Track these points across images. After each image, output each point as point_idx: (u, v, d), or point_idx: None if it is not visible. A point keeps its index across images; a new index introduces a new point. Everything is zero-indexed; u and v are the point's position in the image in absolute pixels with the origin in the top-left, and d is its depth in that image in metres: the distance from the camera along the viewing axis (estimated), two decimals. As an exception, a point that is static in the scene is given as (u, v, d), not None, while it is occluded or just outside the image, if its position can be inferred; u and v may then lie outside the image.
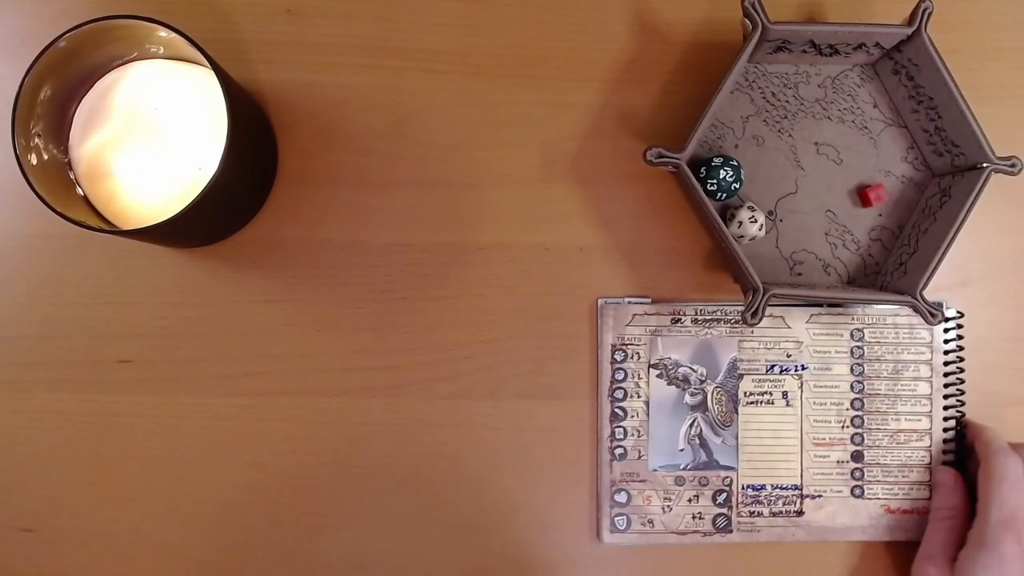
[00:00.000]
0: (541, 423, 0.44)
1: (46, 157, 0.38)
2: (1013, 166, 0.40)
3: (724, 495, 0.43)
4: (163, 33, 0.37)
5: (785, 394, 0.43)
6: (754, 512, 0.43)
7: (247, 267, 0.44)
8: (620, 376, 0.43)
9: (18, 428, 0.43)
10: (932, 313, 0.39)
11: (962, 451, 0.44)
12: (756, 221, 0.42)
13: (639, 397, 0.43)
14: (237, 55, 0.44)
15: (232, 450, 0.43)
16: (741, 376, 0.43)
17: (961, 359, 0.44)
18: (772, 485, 0.43)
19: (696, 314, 0.44)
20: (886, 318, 0.44)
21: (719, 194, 0.42)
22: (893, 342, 0.44)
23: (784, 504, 0.43)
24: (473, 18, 0.45)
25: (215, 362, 0.43)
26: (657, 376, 0.43)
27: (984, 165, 0.40)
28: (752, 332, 0.44)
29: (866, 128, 0.44)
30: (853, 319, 0.44)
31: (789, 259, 0.44)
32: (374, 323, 0.44)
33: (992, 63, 0.45)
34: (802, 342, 0.44)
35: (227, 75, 0.38)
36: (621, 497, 0.43)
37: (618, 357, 0.43)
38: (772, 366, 0.43)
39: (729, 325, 0.43)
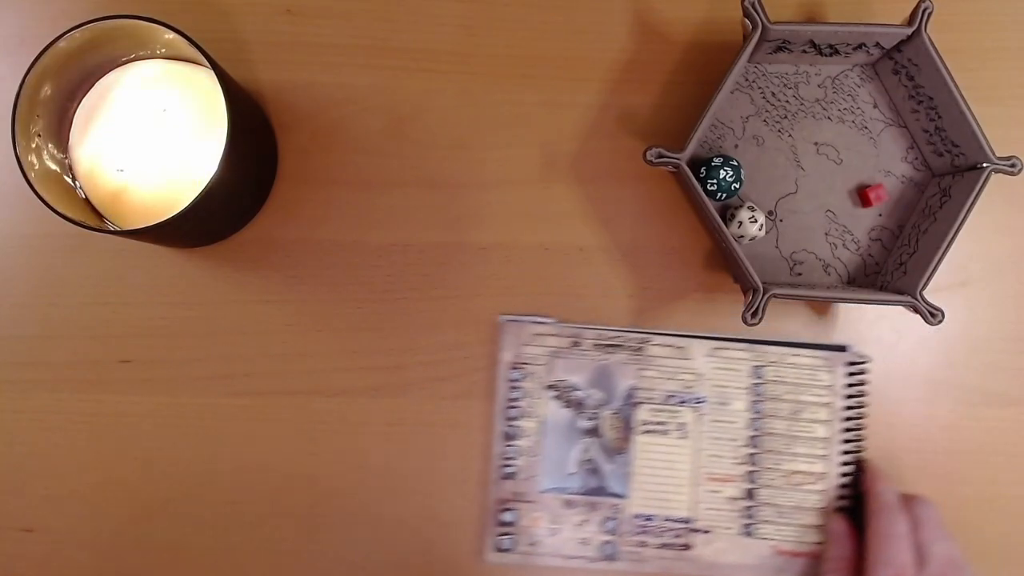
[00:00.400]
0: (541, 423, 0.44)
1: (46, 157, 0.38)
2: (1013, 166, 0.40)
3: (612, 522, 0.42)
4: (163, 33, 0.37)
5: (681, 426, 0.43)
6: (642, 542, 0.42)
7: (247, 267, 0.44)
8: (516, 395, 0.43)
9: (18, 428, 0.43)
10: (932, 313, 0.39)
11: (858, 496, 0.43)
12: (756, 221, 0.42)
13: (533, 417, 0.43)
14: (237, 55, 0.44)
15: (232, 450, 0.43)
16: (638, 404, 0.43)
17: (862, 404, 0.43)
18: (662, 516, 0.42)
19: (597, 338, 0.43)
20: (787, 358, 0.43)
21: (719, 194, 0.42)
22: (793, 382, 0.43)
23: (673, 536, 0.42)
24: (473, 18, 0.45)
25: (215, 362, 0.43)
26: (553, 397, 0.43)
27: (984, 165, 0.40)
28: (652, 361, 0.43)
29: (866, 128, 0.44)
30: (755, 356, 0.43)
31: (789, 259, 0.44)
32: (374, 323, 0.44)
33: (992, 63, 0.45)
34: (702, 374, 0.43)
35: (227, 75, 0.38)
36: (508, 516, 0.42)
37: (515, 376, 0.43)
38: (670, 396, 0.43)
39: (629, 352, 0.43)
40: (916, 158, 0.44)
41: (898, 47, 0.41)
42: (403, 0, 0.45)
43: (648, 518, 0.42)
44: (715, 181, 0.42)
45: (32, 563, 0.43)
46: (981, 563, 0.43)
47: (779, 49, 0.42)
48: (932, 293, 0.40)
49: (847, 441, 0.43)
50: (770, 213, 0.44)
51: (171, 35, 0.37)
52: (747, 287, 0.41)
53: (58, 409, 0.43)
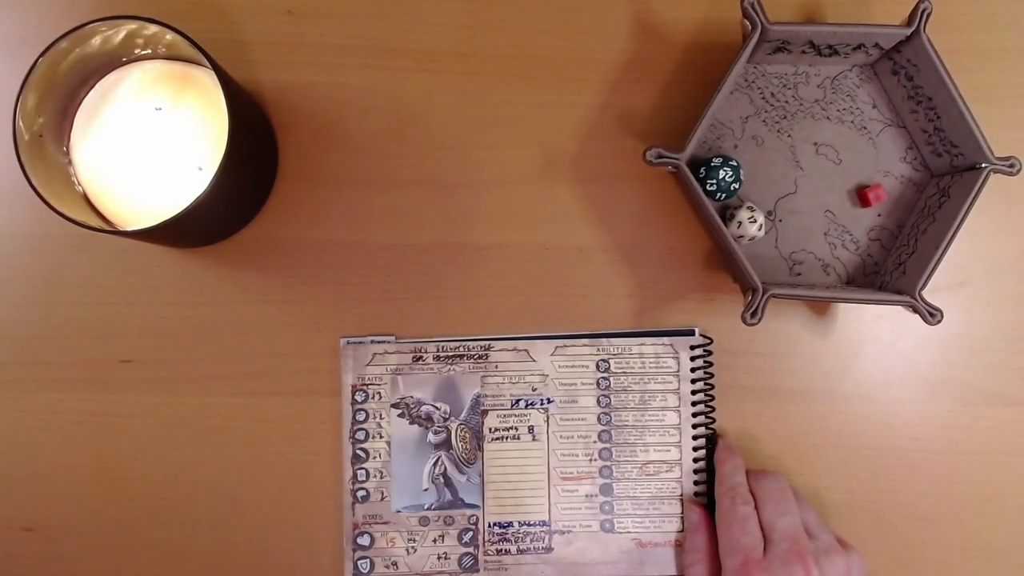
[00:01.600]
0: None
1: (47, 157, 0.38)
2: (1012, 166, 0.40)
3: (470, 534, 0.42)
4: (164, 33, 0.37)
5: (531, 428, 0.43)
6: (501, 550, 0.42)
7: (247, 267, 0.44)
8: (361, 417, 0.43)
9: (18, 428, 0.43)
10: (931, 313, 0.39)
11: (709, 482, 0.43)
12: (755, 221, 0.42)
13: (381, 438, 0.42)
14: (237, 55, 0.44)
15: (232, 450, 0.43)
16: (485, 412, 0.43)
17: (710, 386, 0.43)
18: (519, 522, 0.42)
19: (438, 351, 0.43)
20: (631, 348, 0.43)
21: (718, 194, 0.42)
22: (639, 372, 0.43)
23: (532, 541, 0.42)
24: (473, 18, 0.45)
25: (215, 362, 0.44)
26: (399, 415, 0.43)
27: (983, 165, 0.40)
28: (496, 367, 0.43)
29: (865, 128, 0.44)
30: (598, 350, 0.43)
31: (788, 259, 0.44)
32: (374, 323, 0.44)
33: (991, 63, 0.45)
34: (547, 375, 0.43)
35: (227, 75, 0.38)
36: (364, 540, 0.42)
37: (359, 398, 0.43)
38: (517, 400, 0.43)
39: (472, 361, 0.43)
40: (915, 158, 0.44)
41: (897, 47, 0.41)
42: (403, 0, 0.45)
43: (505, 526, 0.42)
44: (714, 181, 0.42)
45: (32, 563, 0.43)
46: (981, 563, 0.44)
47: (778, 50, 0.42)
48: (931, 293, 0.40)
49: (697, 425, 0.43)
50: (769, 213, 0.44)
51: (171, 35, 0.37)
52: (747, 287, 0.41)
53: (58, 409, 0.43)
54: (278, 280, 0.44)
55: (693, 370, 0.43)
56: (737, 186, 0.42)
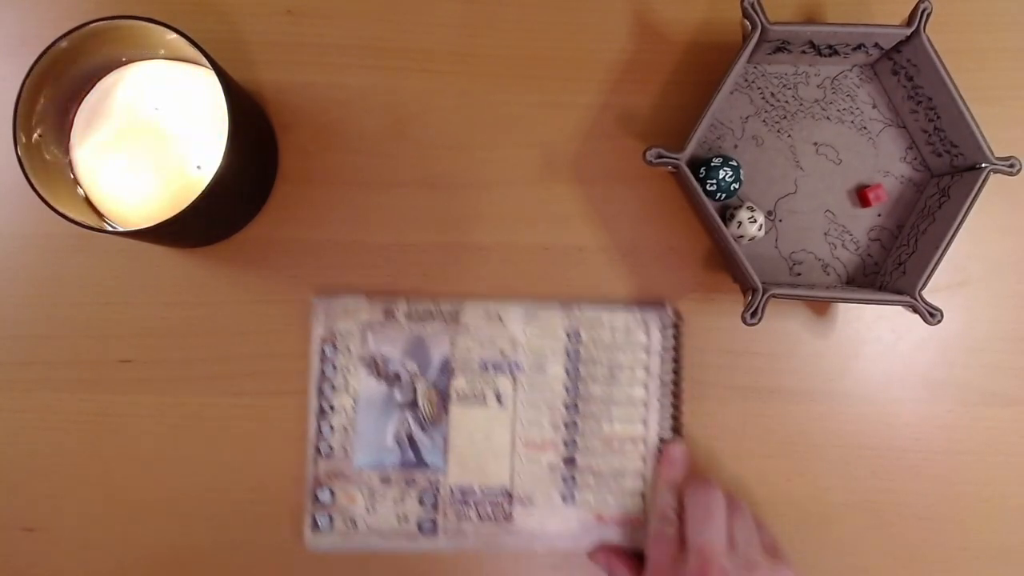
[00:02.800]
0: (541, 423, 0.44)
1: (47, 157, 0.38)
2: (1012, 166, 0.40)
3: (431, 496, 0.42)
4: (164, 34, 0.37)
5: (498, 394, 0.42)
6: (461, 515, 0.42)
7: (247, 267, 0.44)
8: (329, 370, 0.42)
9: (18, 428, 0.43)
10: (931, 313, 0.39)
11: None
12: (755, 221, 0.42)
13: (348, 393, 0.42)
14: (238, 55, 0.44)
15: (232, 450, 0.43)
16: (453, 374, 0.42)
17: (677, 363, 0.43)
18: (481, 488, 0.42)
19: (410, 309, 0.42)
20: (603, 319, 0.43)
21: (718, 194, 0.42)
22: (609, 344, 0.43)
23: (493, 508, 0.42)
24: (473, 18, 0.45)
25: (215, 362, 0.43)
26: (367, 372, 0.42)
27: (983, 165, 0.40)
28: (467, 329, 0.42)
29: (865, 128, 0.44)
30: (570, 319, 0.43)
31: (788, 259, 0.44)
32: (374, 323, 0.44)
33: (991, 63, 0.45)
34: (518, 341, 0.42)
35: (228, 75, 0.38)
36: (325, 495, 0.42)
37: (328, 352, 0.42)
38: (486, 365, 0.42)
39: (443, 321, 0.42)
40: (915, 158, 0.44)
41: (897, 48, 0.41)
42: (403, 0, 0.45)
43: (467, 491, 0.42)
44: (715, 181, 0.42)
45: (32, 563, 0.43)
46: (981, 563, 0.44)
47: (778, 50, 0.42)
48: (931, 293, 0.40)
49: (664, 402, 0.43)
50: (769, 213, 0.44)
51: (172, 35, 0.37)
52: (747, 287, 0.41)
53: (58, 409, 0.43)
54: (278, 280, 0.44)
55: (664, 345, 0.43)
56: (737, 186, 0.42)
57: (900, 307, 0.40)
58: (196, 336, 0.44)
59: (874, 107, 0.44)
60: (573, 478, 0.42)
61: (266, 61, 0.45)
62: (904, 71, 0.42)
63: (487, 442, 0.42)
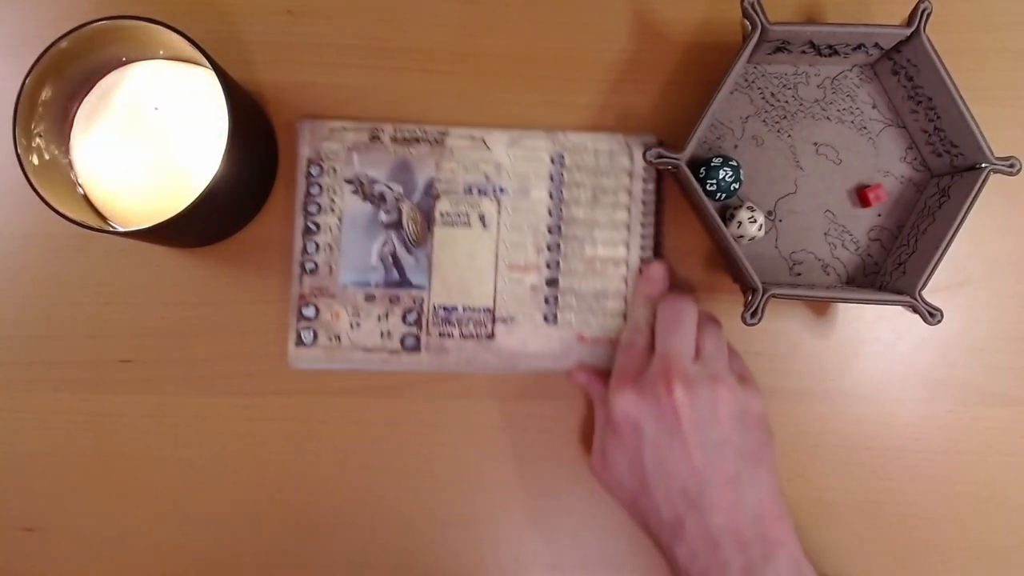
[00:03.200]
0: (543, 423, 0.44)
1: (47, 157, 0.38)
2: (1012, 166, 0.40)
3: (414, 314, 0.42)
4: (164, 34, 0.37)
5: (482, 216, 0.43)
6: (444, 333, 0.42)
7: (247, 267, 0.44)
8: (315, 191, 0.43)
9: (18, 428, 0.43)
10: (931, 313, 0.39)
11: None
12: (755, 221, 0.42)
13: (333, 212, 0.42)
14: (237, 55, 0.44)
15: (232, 450, 0.43)
16: (438, 196, 0.43)
17: (658, 183, 0.43)
18: (464, 307, 0.42)
19: (395, 132, 0.43)
20: (587, 144, 0.43)
21: (718, 194, 0.42)
22: (593, 168, 0.43)
23: (475, 327, 0.42)
24: (473, 18, 0.45)
25: (215, 362, 0.43)
26: (352, 192, 0.43)
27: (983, 165, 0.40)
28: (452, 153, 0.43)
29: (865, 128, 0.44)
30: (554, 144, 0.43)
31: (788, 259, 0.44)
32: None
33: (991, 63, 0.45)
34: (502, 165, 0.43)
35: (228, 75, 0.38)
36: (309, 312, 0.42)
37: (314, 172, 0.43)
38: (470, 188, 0.43)
39: (428, 145, 0.43)
40: (915, 158, 0.44)
41: (897, 47, 0.41)
42: (403, 0, 0.45)
43: (450, 309, 0.42)
44: (714, 181, 0.42)
45: (32, 563, 0.43)
46: (981, 563, 0.44)
47: (778, 50, 0.42)
48: (931, 293, 0.40)
49: (647, 224, 0.43)
50: (769, 213, 0.44)
51: (172, 35, 0.37)
52: (747, 287, 0.41)
53: (58, 409, 0.43)
54: (278, 280, 0.44)
55: (646, 169, 0.43)
56: (737, 186, 0.42)
57: (900, 307, 0.40)
58: (196, 336, 0.44)
59: (874, 107, 0.44)
60: (555, 299, 0.43)
61: (266, 61, 0.45)
62: (904, 71, 0.42)
63: (471, 263, 0.43)
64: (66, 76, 0.38)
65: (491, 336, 0.42)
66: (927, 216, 0.42)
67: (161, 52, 0.40)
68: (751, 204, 0.43)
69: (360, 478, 0.43)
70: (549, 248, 0.43)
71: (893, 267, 0.43)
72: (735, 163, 0.42)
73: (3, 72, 0.43)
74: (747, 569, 0.35)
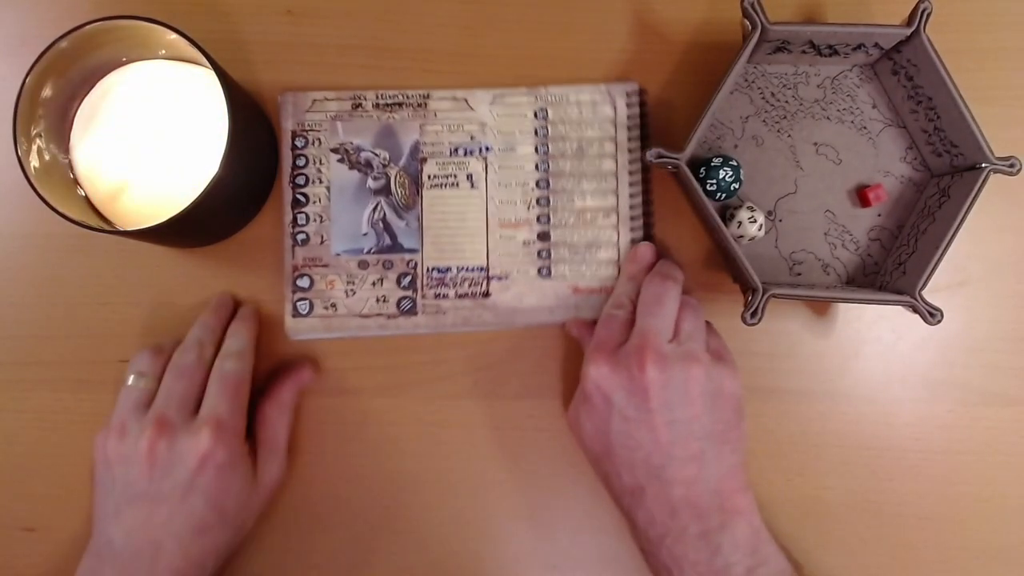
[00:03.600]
0: (542, 423, 0.44)
1: (47, 157, 0.38)
2: (1012, 166, 0.40)
3: (409, 278, 0.43)
4: (164, 34, 0.37)
5: (470, 176, 0.43)
6: (439, 294, 0.43)
7: (247, 267, 0.44)
8: (301, 162, 0.43)
9: (18, 428, 0.43)
10: (931, 313, 0.39)
11: (649, 226, 0.44)
12: (756, 221, 0.42)
13: (321, 183, 0.43)
14: (237, 55, 0.44)
15: (232, 450, 0.43)
16: (424, 159, 0.43)
17: (646, 135, 0.44)
18: (457, 267, 0.43)
19: (377, 99, 0.43)
20: (569, 96, 0.44)
21: (718, 194, 0.42)
22: (577, 120, 0.44)
23: (470, 286, 0.43)
24: (473, 18, 0.45)
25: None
26: (338, 161, 0.43)
27: (983, 165, 0.40)
28: (435, 115, 0.43)
29: (865, 128, 0.44)
30: (537, 99, 0.44)
31: (788, 259, 0.44)
32: (374, 323, 0.44)
33: (991, 63, 0.45)
34: (486, 124, 0.43)
35: (228, 75, 0.38)
36: (304, 282, 0.42)
37: (299, 143, 0.43)
38: (456, 148, 0.43)
39: (411, 109, 0.43)
40: (915, 158, 0.44)
41: (897, 47, 0.41)
42: (403, 0, 0.45)
43: (444, 270, 0.43)
44: (715, 181, 0.42)
45: (32, 563, 0.43)
46: (981, 563, 0.44)
47: (778, 49, 0.42)
48: (931, 293, 0.40)
49: (634, 172, 0.43)
50: (769, 213, 0.44)
51: (172, 35, 0.37)
52: (747, 287, 0.41)
53: (58, 409, 0.43)
54: (278, 280, 0.44)
55: (630, 117, 0.43)
56: (737, 186, 0.42)
57: (900, 307, 0.40)
58: (196, 336, 0.44)
59: (874, 107, 0.44)
60: (548, 252, 0.43)
61: (266, 61, 0.45)
62: (904, 71, 0.42)
63: (462, 223, 0.43)
64: (66, 76, 0.38)
65: (486, 294, 0.43)
66: (927, 216, 0.42)
67: (161, 52, 0.40)
68: (751, 204, 0.43)
69: (360, 478, 0.43)
70: (539, 203, 0.43)
71: (893, 267, 0.43)
72: (735, 163, 0.42)
73: (3, 72, 0.43)
74: (704, 535, 0.36)
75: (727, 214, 0.43)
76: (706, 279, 0.44)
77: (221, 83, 0.36)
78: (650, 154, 0.39)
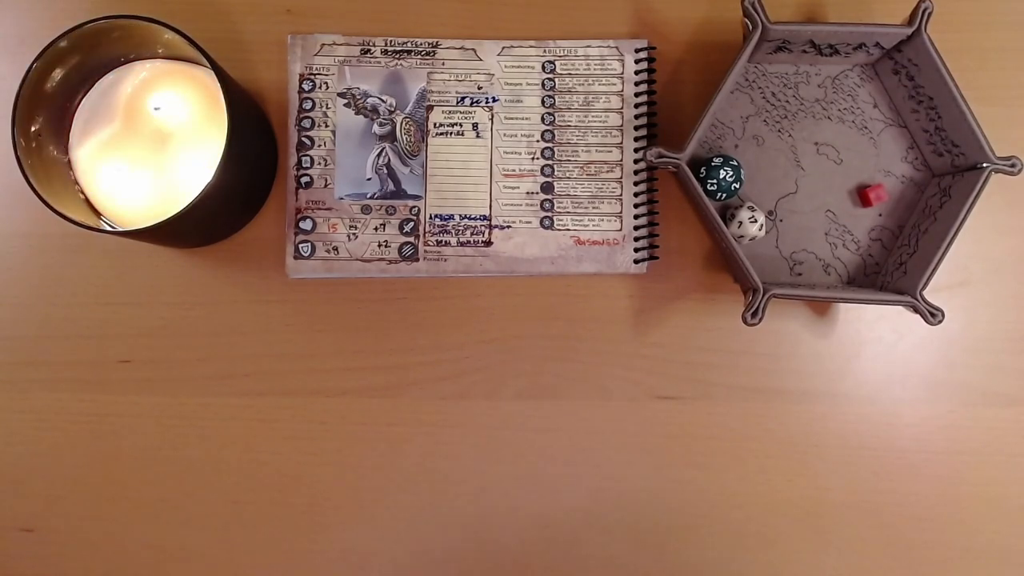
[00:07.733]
0: (541, 424, 0.44)
1: (46, 157, 0.38)
2: (1013, 166, 0.40)
3: (411, 224, 0.43)
4: (163, 33, 0.37)
5: (475, 125, 0.43)
6: (441, 241, 0.43)
7: (247, 267, 0.44)
8: (308, 105, 0.43)
9: (18, 428, 0.43)
10: (932, 313, 0.39)
11: (652, 180, 0.44)
12: (756, 221, 0.42)
13: (327, 127, 0.43)
14: (237, 55, 0.44)
15: (232, 450, 0.43)
16: (431, 107, 0.43)
17: (652, 91, 0.44)
18: (460, 215, 0.43)
19: (386, 45, 0.44)
20: (578, 50, 0.44)
21: (719, 194, 0.42)
22: (584, 73, 0.44)
23: (472, 234, 0.43)
24: (473, 18, 0.45)
25: (215, 362, 0.43)
26: (345, 105, 0.43)
27: (984, 165, 0.40)
28: (443, 64, 0.44)
29: (866, 128, 0.44)
30: (545, 52, 0.44)
31: (789, 259, 0.44)
32: (374, 323, 0.44)
33: (992, 63, 0.45)
34: (493, 74, 0.44)
35: (227, 75, 0.38)
36: (306, 224, 0.43)
37: (306, 87, 0.43)
38: (463, 98, 0.44)
39: (419, 57, 0.43)
40: (916, 158, 0.44)
41: (898, 47, 0.41)
42: (403, 0, 0.45)
43: (446, 218, 0.43)
44: (715, 181, 0.42)
45: (32, 563, 0.43)
46: (982, 563, 0.44)
47: (779, 49, 0.42)
48: (932, 293, 0.40)
49: (639, 127, 0.44)
50: (770, 213, 0.44)
51: (171, 35, 0.37)
52: (747, 287, 0.41)
53: (58, 409, 0.43)
54: (278, 280, 0.44)
55: (637, 72, 0.44)
56: (738, 186, 0.42)
57: (901, 307, 0.40)
58: (196, 336, 0.44)
59: (875, 107, 0.44)
60: (551, 204, 0.43)
61: (266, 61, 0.45)
62: (905, 71, 0.42)
63: (466, 172, 0.43)
64: (65, 76, 0.38)
65: (488, 243, 0.43)
66: (928, 216, 0.42)
67: (161, 52, 0.40)
68: (752, 204, 0.43)
69: (360, 478, 0.43)
70: (543, 154, 0.43)
71: (894, 267, 0.43)
72: (736, 163, 0.42)
73: (2, 72, 0.43)
74: None
75: (727, 214, 0.43)
76: (706, 279, 0.44)
77: (221, 83, 0.36)
78: (651, 154, 0.39)
